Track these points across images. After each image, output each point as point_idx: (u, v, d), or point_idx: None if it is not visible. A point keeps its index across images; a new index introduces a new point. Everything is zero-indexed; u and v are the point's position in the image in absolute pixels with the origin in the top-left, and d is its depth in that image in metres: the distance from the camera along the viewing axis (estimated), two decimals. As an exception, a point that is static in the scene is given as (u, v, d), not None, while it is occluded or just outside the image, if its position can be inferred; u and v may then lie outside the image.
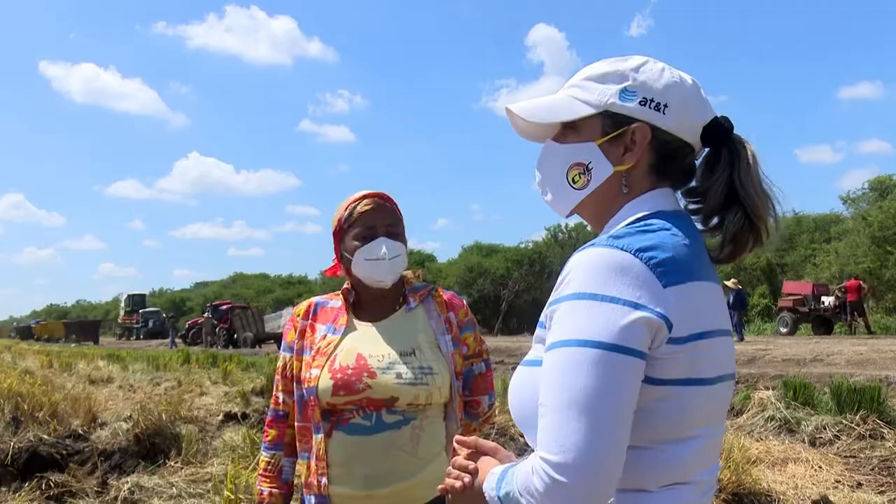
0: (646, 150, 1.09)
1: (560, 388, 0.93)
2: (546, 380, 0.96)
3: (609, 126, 1.10)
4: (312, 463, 1.76)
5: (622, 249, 0.98)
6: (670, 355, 0.97)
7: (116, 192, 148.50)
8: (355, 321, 1.85)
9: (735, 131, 1.12)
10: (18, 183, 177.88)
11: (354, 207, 1.83)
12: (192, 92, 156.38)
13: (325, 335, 1.82)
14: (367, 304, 1.86)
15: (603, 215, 1.13)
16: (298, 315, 1.89)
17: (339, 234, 1.86)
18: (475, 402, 1.92)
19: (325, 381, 1.74)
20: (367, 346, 1.78)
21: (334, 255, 1.91)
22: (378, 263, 1.79)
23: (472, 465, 1.08)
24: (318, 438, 1.76)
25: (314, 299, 1.94)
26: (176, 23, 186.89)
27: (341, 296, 1.89)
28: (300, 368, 1.82)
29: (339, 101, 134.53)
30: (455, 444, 1.15)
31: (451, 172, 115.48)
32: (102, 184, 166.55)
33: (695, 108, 1.10)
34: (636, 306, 0.94)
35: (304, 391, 1.78)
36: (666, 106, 1.08)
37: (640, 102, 1.08)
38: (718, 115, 1.12)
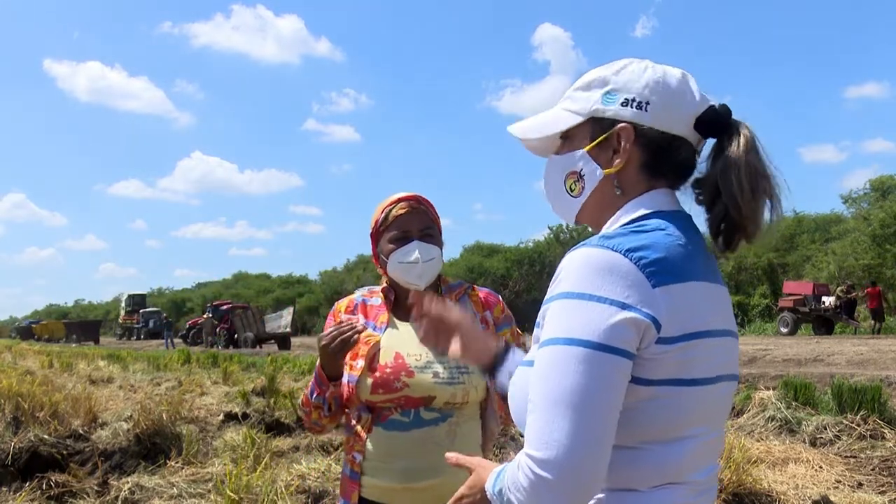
0: (634, 149, 1.10)
1: (546, 385, 0.95)
2: (535, 377, 0.98)
3: (597, 131, 1.12)
4: (353, 455, 1.79)
5: (612, 249, 0.98)
6: (659, 356, 0.97)
7: (118, 191, 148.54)
8: (395, 320, 1.88)
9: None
10: (21, 182, 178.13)
11: (390, 210, 1.86)
12: (198, 91, 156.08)
13: (365, 326, 1.85)
14: (405, 303, 1.89)
15: (603, 220, 1.14)
16: (341, 311, 1.93)
17: (376, 236, 1.89)
18: None
19: (365, 380, 1.77)
20: (406, 345, 1.81)
21: (373, 256, 1.94)
22: (411, 266, 1.81)
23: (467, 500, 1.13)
24: (360, 425, 1.79)
25: (355, 296, 1.97)
26: (182, 22, 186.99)
27: (381, 294, 1.92)
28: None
29: (344, 101, 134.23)
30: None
31: (455, 172, 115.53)
32: (104, 183, 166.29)
33: (682, 100, 1.09)
34: (624, 306, 0.95)
35: (347, 377, 1.80)
36: (648, 103, 1.08)
37: (621, 104, 1.10)
38: (716, 104, 1.11)
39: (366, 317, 1.88)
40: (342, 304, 1.95)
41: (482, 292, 1.93)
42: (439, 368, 1.76)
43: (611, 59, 1.15)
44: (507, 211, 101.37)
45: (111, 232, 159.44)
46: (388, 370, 1.76)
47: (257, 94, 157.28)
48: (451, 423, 1.76)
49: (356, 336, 1.76)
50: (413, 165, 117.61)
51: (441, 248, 1.88)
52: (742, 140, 1.07)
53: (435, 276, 1.87)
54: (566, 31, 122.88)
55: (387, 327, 1.85)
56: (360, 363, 1.79)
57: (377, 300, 1.92)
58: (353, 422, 1.82)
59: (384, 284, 1.93)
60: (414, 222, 1.84)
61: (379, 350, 1.80)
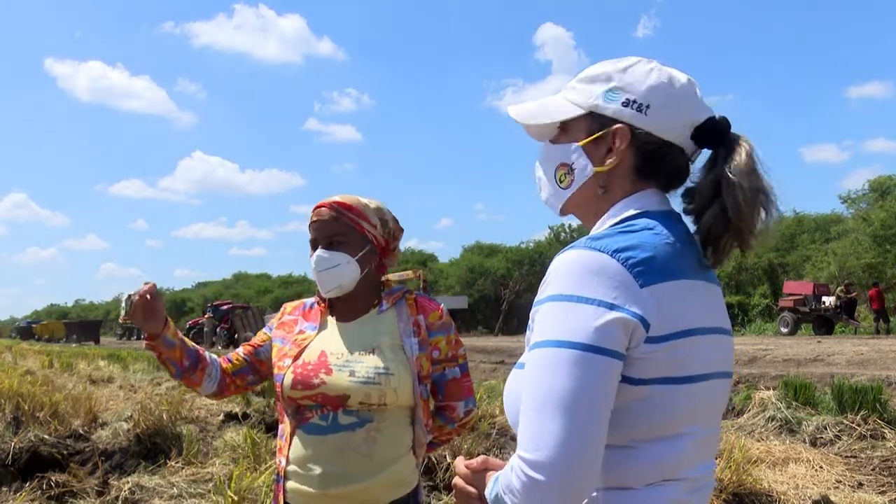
0: (627, 151, 1.10)
1: (537, 388, 0.95)
2: (526, 380, 0.98)
3: (594, 127, 1.12)
4: (279, 459, 1.84)
5: (599, 251, 0.98)
6: (649, 355, 0.97)
7: (119, 191, 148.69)
8: (329, 320, 1.91)
9: (735, 130, 1.11)
10: (22, 182, 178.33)
11: (310, 219, 1.90)
12: (199, 90, 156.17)
13: (303, 330, 1.90)
14: (340, 305, 1.92)
15: (591, 215, 1.14)
16: (286, 311, 1.99)
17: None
18: (449, 406, 1.92)
19: (288, 376, 1.81)
20: (331, 344, 1.84)
21: None
22: (315, 274, 1.85)
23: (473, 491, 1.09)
24: (285, 426, 1.84)
25: (305, 299, 2.02)
26: (184, 21, 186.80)
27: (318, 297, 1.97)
28: (275, 354, 1.91)
29: (346, 100, 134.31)
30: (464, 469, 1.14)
31: (456, 172, 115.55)
32: (106, 183, 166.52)
33: (683, 108, 1.10)
34: (611, 307, 0.95)
35: (276, 376, 1.86)
36: (648, 107, 1.08)
37: (622, 104, 1.09)
38: (717, 116, 1.11)
39: (306, 319, 1.93)
40: (290, 305, 2.01)
41: (420, 298, 1.93)
42: (357, 368, 1.77)
43: (612, 58, 1.15)
44: (508, 211, 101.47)
45: (112, 232, 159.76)
46: (309, 367, 1.79)
47: (259, 94, 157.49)
48: (370, 428, 1.76)
49: (136, 296, 1.77)
50: (414, 165, 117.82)
51: (357, 255, 1.83)
52: (744, 155, 1.06)
53: (342, 284, 1.83)
54: (568, 30, 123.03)
55: (319, 327, 1.89)
56: (288, 361, 1.83)
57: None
58: (280, 426, 1.87)
59: None
60: (320, 231, 1.85)
61: (306, 349, 1.84)
